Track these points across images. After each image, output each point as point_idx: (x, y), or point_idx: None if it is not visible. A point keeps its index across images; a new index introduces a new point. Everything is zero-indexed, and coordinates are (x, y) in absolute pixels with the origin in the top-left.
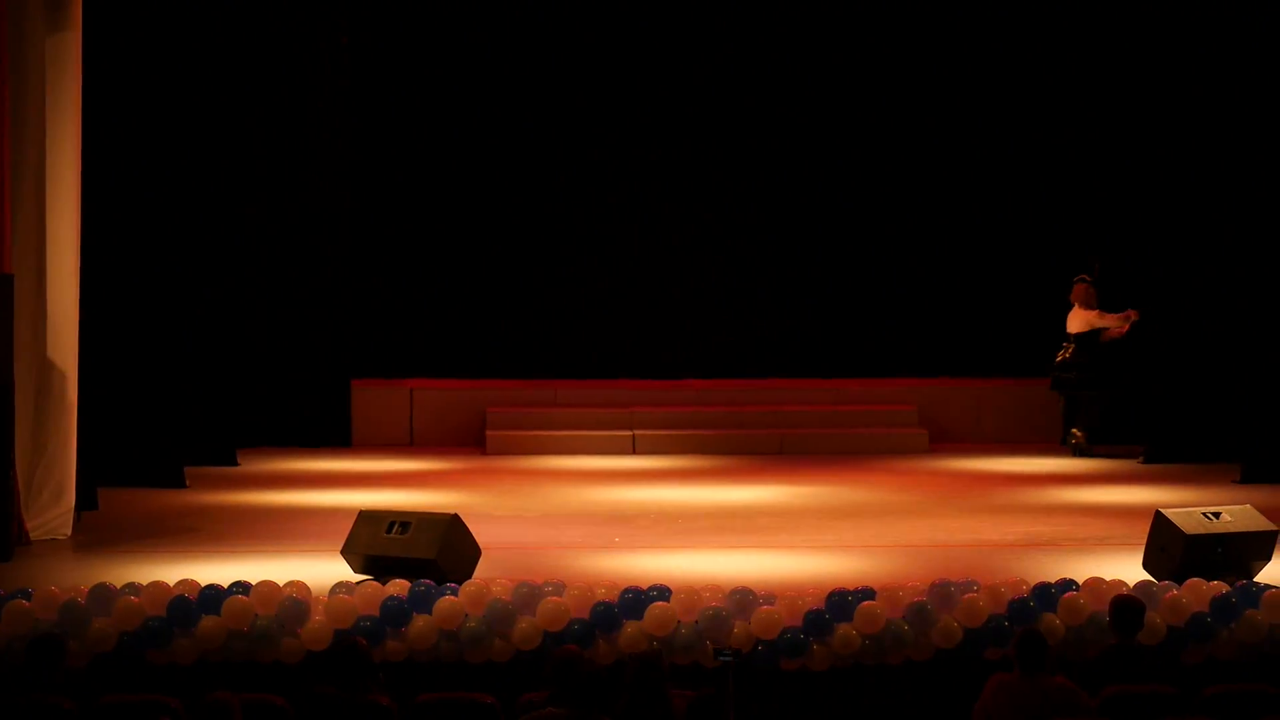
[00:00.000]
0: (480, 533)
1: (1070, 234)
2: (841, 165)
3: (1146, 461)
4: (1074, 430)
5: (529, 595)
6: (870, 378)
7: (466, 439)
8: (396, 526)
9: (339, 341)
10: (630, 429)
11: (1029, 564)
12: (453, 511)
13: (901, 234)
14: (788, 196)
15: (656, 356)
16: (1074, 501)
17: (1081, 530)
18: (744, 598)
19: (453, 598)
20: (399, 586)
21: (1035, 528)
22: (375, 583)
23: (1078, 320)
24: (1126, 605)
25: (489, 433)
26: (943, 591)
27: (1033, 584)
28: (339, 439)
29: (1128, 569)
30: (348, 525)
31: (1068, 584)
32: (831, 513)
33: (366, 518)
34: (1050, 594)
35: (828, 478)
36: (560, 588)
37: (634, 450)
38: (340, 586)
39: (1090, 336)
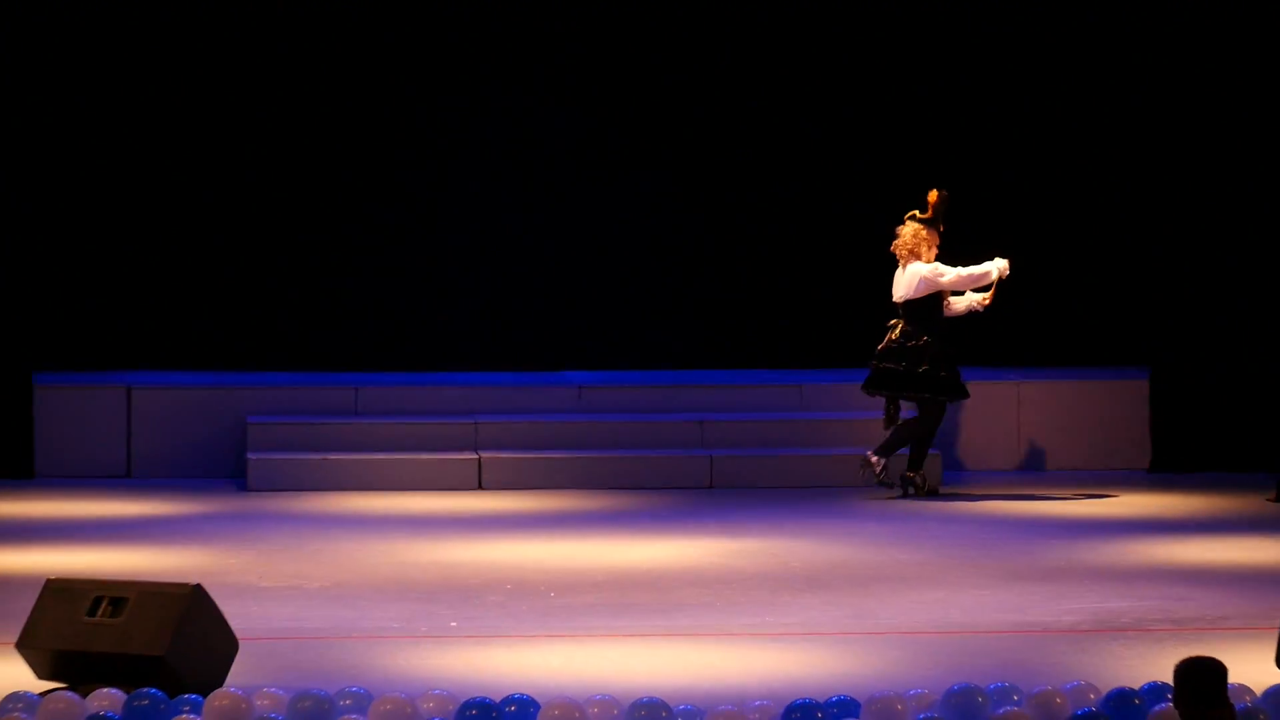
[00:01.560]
0: (236, 614)
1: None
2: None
3: None
4: (905, 472)
5: (314, 713)
6: (846, 367)
7: (216, 466)
8: (104, 605)
9: (10, 316)
10: (474, 450)
11: (1098, 659)
12: (194, 582)
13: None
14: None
15: (513, 338)
16: (1166, 560)
17: (1180, 604)
18: (655, 715)
19: (193, 718)
20: (107, 700)
21: (1107, 602)
22: (68, 694)
23: (906, 281)
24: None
25: (251, 457)
26: (965, 702)
27: (1106, 690)
28: (12, 466)
29: (1255, 666)
30: (25, 604)
31: (1160, 691)
32: (790, 580)
33: (56, 593)
34: (1133, 706)
35: (783, 525)
36: (364, 700)
37: (480, 484)
38: (12, 701)
39: (928, 307)
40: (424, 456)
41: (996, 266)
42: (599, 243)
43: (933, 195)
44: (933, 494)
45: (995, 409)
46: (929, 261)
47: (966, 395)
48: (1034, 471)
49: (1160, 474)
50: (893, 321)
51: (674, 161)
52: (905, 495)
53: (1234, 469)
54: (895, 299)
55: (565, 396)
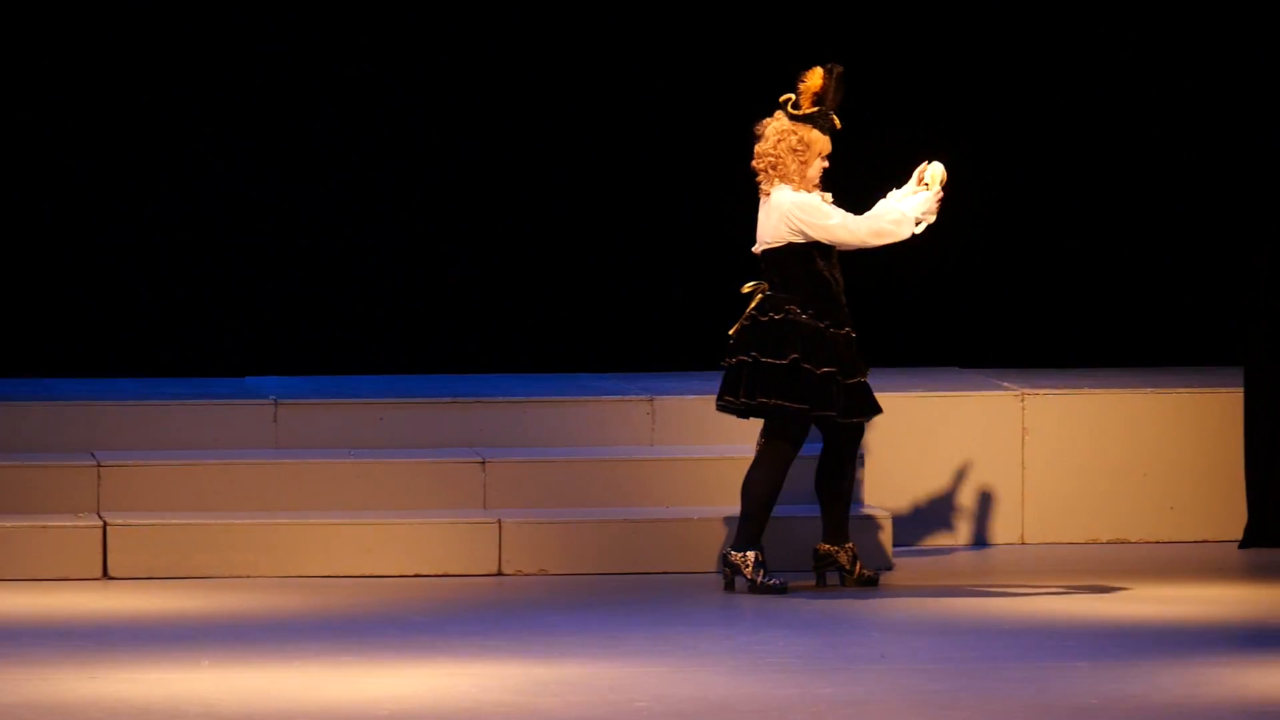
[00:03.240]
0: None
1: None
2: None
3: None
4: (820, 546)
5: None
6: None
7: None
8: None
9: None
10: (95, 511)
11: None
12: None
13: None
14: None
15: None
16: (1265, 696)
17: None
18: None
19: None
20: None
21: None
22: None
23: (766, 220)
24: None
25: None
26: None
27: None
28: None
29: None
30: None
31: None
32: None
33: None
34: None
35: (624, 634)
36: None
37: (105, 569)
38: None
39: (802, 260)
40: (6, 524)
41: (922, 204)
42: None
43: (815, 78)
44: (869, 583)
45: (981, 437)
46: (806, 189)
47: (874, 411)
48: (1043, 546)
49: (1261, 550)
50: (749, 286)
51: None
52: (822, 583)
53: None
54: (755, 249)
55: (256, 417)
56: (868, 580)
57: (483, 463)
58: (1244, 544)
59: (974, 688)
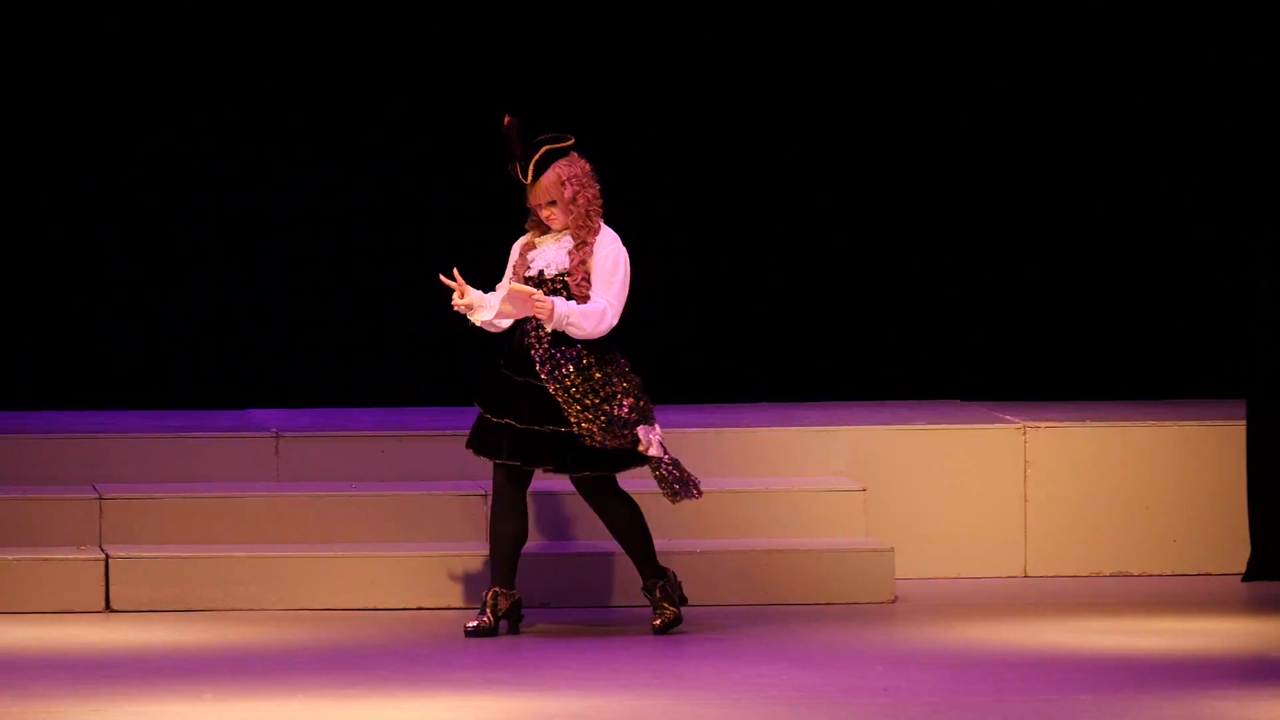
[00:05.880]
0: None
1: None
2: None
3: None
4: (646, 584)
5: None
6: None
7: None
8: None
9: None
10: (98, 545)
11: None
12: None
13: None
14: None
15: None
16: None
17: None
18: None
19: None
20: None
21: None
22: None
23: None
24: None
25: None
26: None
27: None
28: None
29: None
30: None
31: None
32: None
33: None
34: None
35: (597, 663)
36: None
37: (108, 602)
38: None
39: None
40: (7, 556)
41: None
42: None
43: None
44: (667, 626)
45: (983, 470)
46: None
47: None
48: (1045, 579)
49: (1265, 583)
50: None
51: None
52: (663, 625)
53: None
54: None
55: (257, 450)
56: (665, 626)
57: (485, 495)
58: (1247, 577)
59: None
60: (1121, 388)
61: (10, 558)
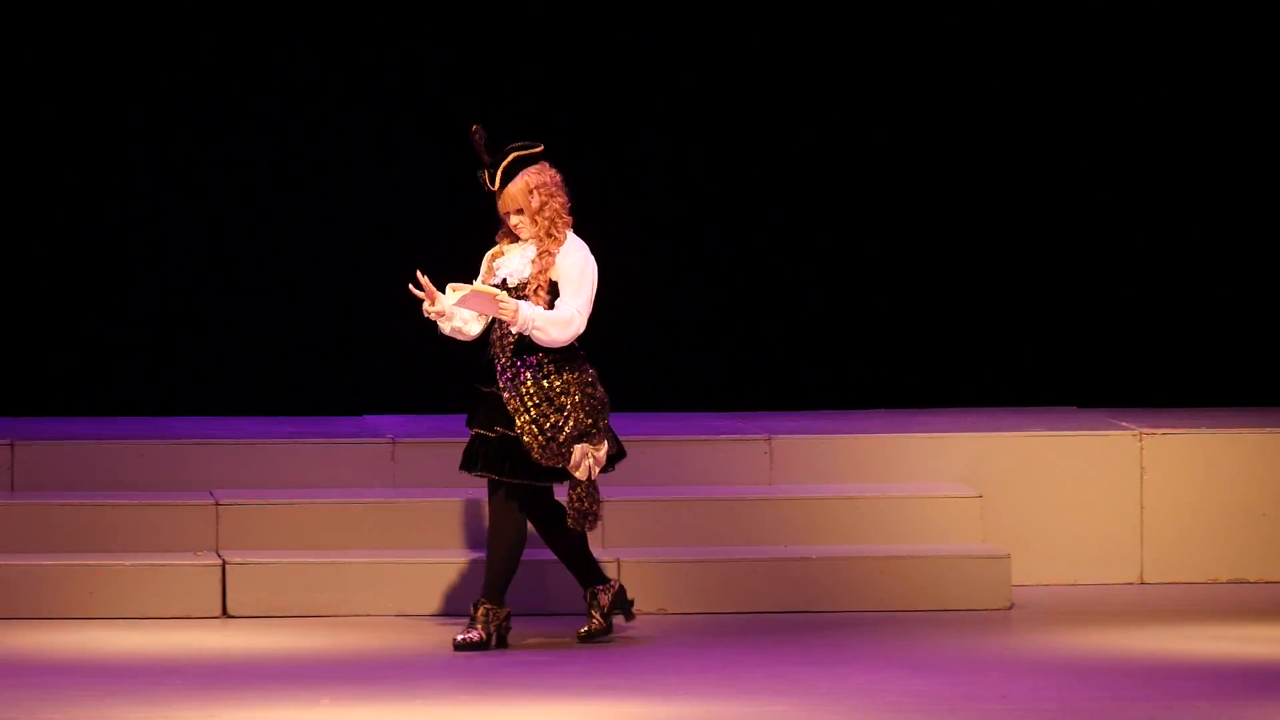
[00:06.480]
0: None
1: None
2: None
3: None
4: (588, 590)
5: None
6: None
7: None
8: None
9: None
10: (215, 551)
11: None
12: None
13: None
14: None
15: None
16: None
17: None
18: None
19: None
20: None
21: None
22: None
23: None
24: None
25: None
26: None
27: None
28: None
29: None
30: None
31: None
32: None
33: None
34: None
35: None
36: None
37: (225, 608)
38: None
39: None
40: (126, 562)
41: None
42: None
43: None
44: (597, 636)
45: (1099, 476)
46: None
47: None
48: (1162, 585)
49: None
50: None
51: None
52: (590, 632)
53: None
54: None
55: (374, 455)
56: (597, 632)
57: (601, 502)
58: None
59: None
60: (1239, 394)
61: (128, 563)
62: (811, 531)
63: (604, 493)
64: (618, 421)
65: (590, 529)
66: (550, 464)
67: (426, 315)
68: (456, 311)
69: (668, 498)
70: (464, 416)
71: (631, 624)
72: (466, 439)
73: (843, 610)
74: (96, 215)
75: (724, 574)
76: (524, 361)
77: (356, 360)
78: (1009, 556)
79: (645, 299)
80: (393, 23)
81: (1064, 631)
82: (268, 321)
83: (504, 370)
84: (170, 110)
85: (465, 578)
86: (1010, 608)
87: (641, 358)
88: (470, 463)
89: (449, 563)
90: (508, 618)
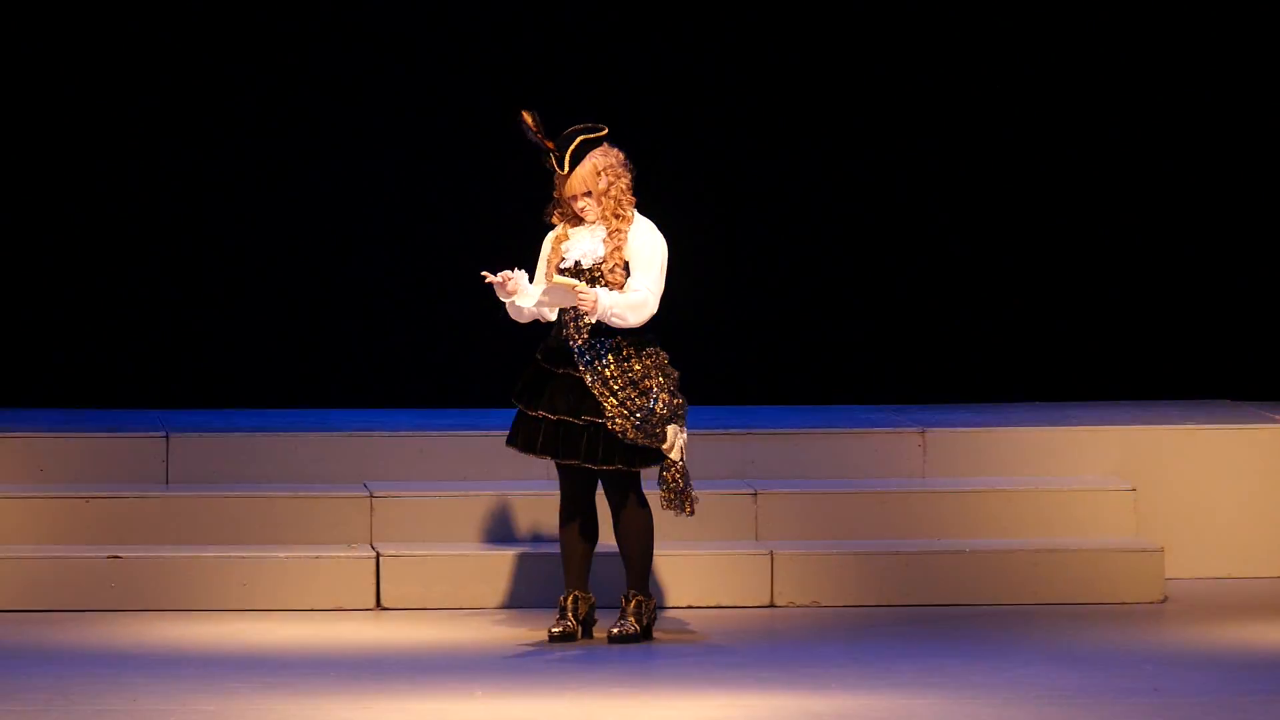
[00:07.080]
0: None
1: None
2: None
3: None
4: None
5: None
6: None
7: None
8: None
9: None
10: (369, 544)
11: None
12: None
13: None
14: None
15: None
16: None
17: None
18: None
19: None
20: None
21: None
22: None
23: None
24: None
25: None
26: None
27: None
28: None
29: None
30: None
31: None
32: None
33: None
34: None
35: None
36: None
37: (379, 599)
38: None
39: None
40: (280, 554)
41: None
42: None
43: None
44: (624, 638)
45: (1252, 470)
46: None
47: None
48: None
49: None
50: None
51: None
52: (623, 635)
53: None
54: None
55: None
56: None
57: (754, 494)
58: None
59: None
60: None
61: (283, 555)
62: (964, 524)
63: (759, 486)
64: (773, 414)
65: (690, 513)
66: (646, 443)
67: (501, 296)
68: (532, 296)
69: (821, 490)
70: None
71: (689, 631)
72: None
73: (995, 603)
74: (256, 209)
75: (877, 567)
76: (603, 344)
77: (510, 353)
78: (1162, 550)
79: (804, 292)
80: (413, 21)
81: (1217, 625)
82: (423, 314)
83: (582, 353)
84: (314, 101)
85: (614, 569)
86: (1163, 601)
87: (797, 350)
88: (528, 443)
89: (603, 555)
90: (655, 608)
